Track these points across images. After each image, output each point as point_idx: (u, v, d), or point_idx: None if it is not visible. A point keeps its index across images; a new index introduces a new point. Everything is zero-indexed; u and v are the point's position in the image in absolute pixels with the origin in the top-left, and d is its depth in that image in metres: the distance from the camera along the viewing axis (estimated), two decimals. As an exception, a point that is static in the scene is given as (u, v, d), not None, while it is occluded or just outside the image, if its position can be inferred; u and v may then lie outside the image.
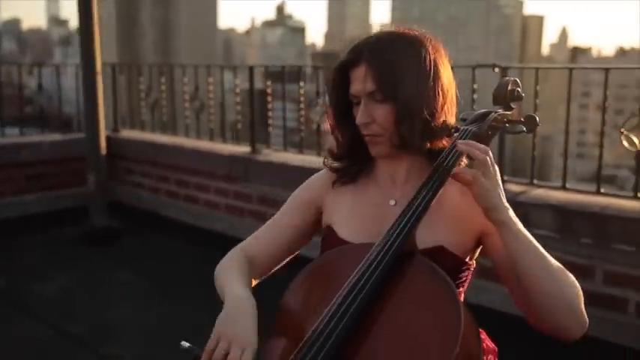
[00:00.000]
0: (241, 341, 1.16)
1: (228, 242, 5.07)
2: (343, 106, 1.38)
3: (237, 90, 4.63)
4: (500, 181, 1.24)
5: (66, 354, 3.10)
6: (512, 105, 1.42)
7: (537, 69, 3.08)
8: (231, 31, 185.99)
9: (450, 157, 1.27)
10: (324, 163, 1.49)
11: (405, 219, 1.22)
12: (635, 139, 2.86)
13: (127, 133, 5.66)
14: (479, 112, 1.42)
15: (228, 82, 5.03)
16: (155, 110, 5.36)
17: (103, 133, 4.91)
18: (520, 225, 1.24)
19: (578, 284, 1.25)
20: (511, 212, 1.23)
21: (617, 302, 2.80)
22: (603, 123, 3.01)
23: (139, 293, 3.91)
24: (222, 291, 1.35)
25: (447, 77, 1.34)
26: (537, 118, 1.40)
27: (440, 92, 1.32)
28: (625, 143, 2.87)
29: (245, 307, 1.23)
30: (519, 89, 1.43)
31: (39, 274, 4.15)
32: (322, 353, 1.10)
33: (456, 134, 1.34)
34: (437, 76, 1.31)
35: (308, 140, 4.41)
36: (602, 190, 2.99)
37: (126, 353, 3.09)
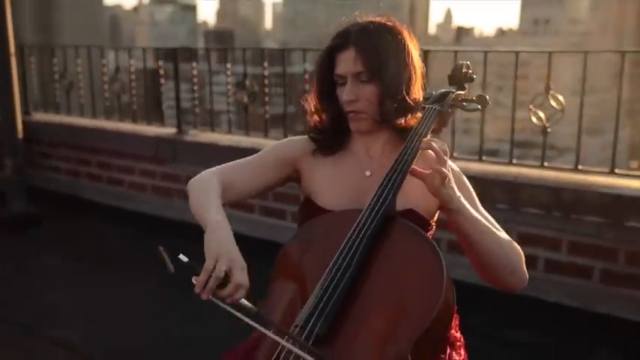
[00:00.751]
0: (239, 261, 1.26)
1: (157, 223, 5.18)
2: (328, 86, 1.53)
3: (162, 72, 4.64)
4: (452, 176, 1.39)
5: (11, 340, 3.09)
6: (466, 85, 1.65)
7: (456, 52, 3.36)
8: (118, 7, 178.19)
9: (420, 135, 1.47)
10: (306, 134, 1.63)
11: (388, 186, 1.40)
12: (542, 115, 3.23)
13: (40, 117, 5.50)
14: (439, 91, 1.62)
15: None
16: (71, 93, 5.25)
17: (19, 117, 4.77)
18: (472, 210, 1.42)
19: (520, 249, 1.48)
20: (463, 200, 1.40)
21: (528, 260, 3.17)
22: (514, 100, 3.35)
23: (70, 276, 3.90)
24: (199, 213, 1.42)
25: (418, 61, 1.53)
26: (487, 97, 1.64)
27: (414, 75, 1.51)
28: (533, 119, 3.23)
29: (228, 231, 1.33)
30: (471, 71, 1.66)
31: (-39, 263, 4.03)
32: (332, 301, 1.28)
33: (423, 111, 1.55)
34: (412, 60, 1.50)
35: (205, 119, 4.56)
36: (514, 162, 3.36)
37: (73, 335, 3.12)
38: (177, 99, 4.53)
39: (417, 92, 1.53)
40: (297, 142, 1.64)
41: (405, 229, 1.40)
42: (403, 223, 1.40)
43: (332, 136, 1.59)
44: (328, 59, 1.51)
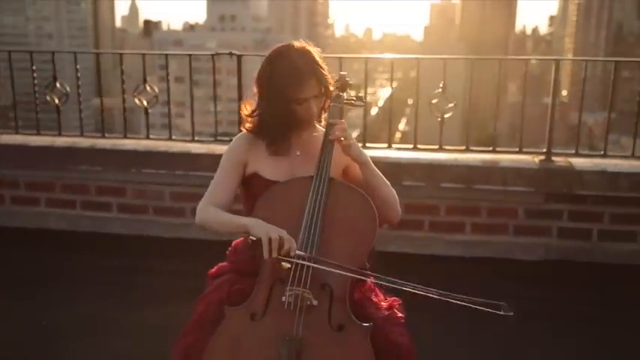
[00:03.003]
0: (280, 230, 1.88)
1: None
2: (285, 105, 2.07)
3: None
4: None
5: None
6: (348, 89, 2.35)
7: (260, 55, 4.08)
8: None
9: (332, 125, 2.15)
10: (246, 129, 2.17)
11: (326, 160, 2.07)
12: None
13: None
14: (334, 94, 2.32)
15: None
16: None
17: None
18: (373, 164, 2.09)
19: (395, 194, 2.15)
20: (366, 154, 2.13)
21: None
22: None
23: None
24: (231, 227, 2.01)
25: None
26: (363, 95, 2.40)
27: None
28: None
29: (258, 221, 1.94)
30: (349, 79, 2.38)
31: None
32: (316, 236, 1.95)
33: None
34: None
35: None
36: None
37: None
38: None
39: None
40: (240, 144, 2.17)
41: (343, 185, 2.11)
42: (340, 182, 2.12)
43: (281, 133, 2.14)
44: (292, 89, 2.02)
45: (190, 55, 4.26)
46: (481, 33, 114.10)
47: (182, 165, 4.18)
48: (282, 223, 1.96)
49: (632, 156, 3.94)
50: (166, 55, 4.27)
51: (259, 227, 1.90)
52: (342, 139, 2.04)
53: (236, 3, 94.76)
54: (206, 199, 2.11)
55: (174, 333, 2.17)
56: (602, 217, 3.91)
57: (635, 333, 3.22)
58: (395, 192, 2.19)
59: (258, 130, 2.15)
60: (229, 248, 2.31)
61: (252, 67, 2.34)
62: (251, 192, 2.14)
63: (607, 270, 3.89)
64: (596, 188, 3.85)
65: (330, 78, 2.13)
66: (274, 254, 1.85)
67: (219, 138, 4.31)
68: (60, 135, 4.41)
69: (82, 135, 4.41)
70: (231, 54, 4.09)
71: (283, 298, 1.90)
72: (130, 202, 4.31)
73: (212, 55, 4.15)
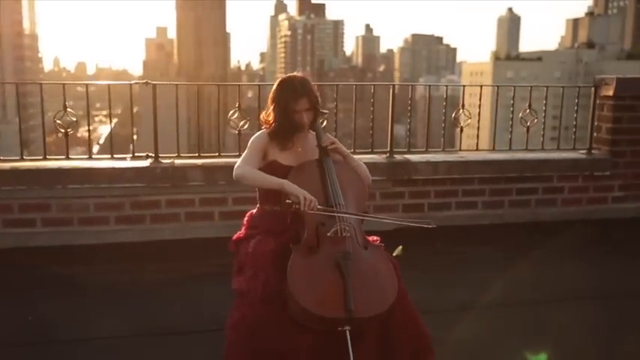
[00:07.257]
0: (307, 193, 2.81)
1: None
2: (289, 113, 3.05)
3: None
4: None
5: None
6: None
7: (172, 84, 4.89)
8: None
9: (322, 134, 3.31)
10: (266, 129, 3.16)
11: (324, 153, 3.19)
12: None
13: None
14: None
15: None
16: None
17: None
18: (352, 157, 3.26)
19: (366, 168, 3.23)
20: (347, 150, 3.31)
21: (203, 215, 5.01)
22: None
23: None
24: (266, 183, 2.91)
25: None
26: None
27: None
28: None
29: (292, 184, 2.88)
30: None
31: None
32: (339, 193, 2.99)
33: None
34: None
35: None
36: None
37: None
38: None
39: None
40: (263, 136, 3.07)
41: (342, 163, 3.25)
42: (340, 162, 3.26)
43: (287, 134, 3.16)
44: (291, 103, 3.00)
45: (109, 84, 4.88)
46: (199, 68, 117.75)
47: (105, 179, 4.74)
48: (309, 188, 2.95)
49: (443, 150, 5.68)
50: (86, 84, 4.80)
51: (294, 188, 2.85)
52: (333, 144, 3.15)
53: None
54: (242, 162, 2.97)
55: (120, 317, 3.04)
56: (430, 194, 5.54)
57: (451, 271, 4.73)
58: (365, 167, 3.31)
59: (273, 131, 3.11)
60: (246, 217, 3.21)
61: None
62: (268, 174, 3.00)
63: (435, 231, 5.48)
64: (425, 174, 5.47)
65: (319, 99, 3.13)
66: (307, 208, 2.82)
67: (136, 154, 4.97)
68: (-24, 160, 4.60)
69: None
70: (147, 83, 4.83)
71: (329, 234, 2.91)
72: (55, 216, 4.69)
73: (130, 85, 4.82)
